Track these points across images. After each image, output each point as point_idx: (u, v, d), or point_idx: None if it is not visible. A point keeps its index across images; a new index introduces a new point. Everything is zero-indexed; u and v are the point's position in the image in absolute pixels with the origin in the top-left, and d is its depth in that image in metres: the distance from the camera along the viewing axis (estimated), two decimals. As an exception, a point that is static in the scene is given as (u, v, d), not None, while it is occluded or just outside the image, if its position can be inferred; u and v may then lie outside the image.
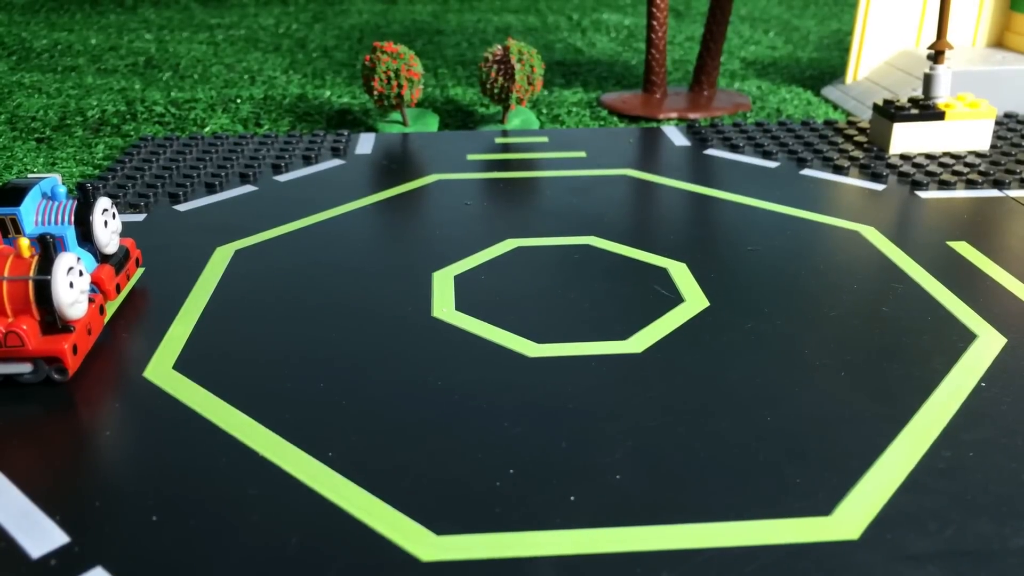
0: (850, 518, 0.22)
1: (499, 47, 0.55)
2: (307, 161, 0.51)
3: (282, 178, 0.48)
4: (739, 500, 0.23)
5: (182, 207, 0.44)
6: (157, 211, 0.43)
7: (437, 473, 0.24)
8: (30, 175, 0.34)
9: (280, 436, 0.26)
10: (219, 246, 0.39)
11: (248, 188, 0.46)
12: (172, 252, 0.38)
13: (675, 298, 0.34)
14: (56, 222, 0.32)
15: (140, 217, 0.42)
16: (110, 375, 0.29)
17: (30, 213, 0.31)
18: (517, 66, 0.54)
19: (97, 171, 0.50)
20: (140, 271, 0.36)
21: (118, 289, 0.33)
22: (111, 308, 0.33)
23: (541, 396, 0.27)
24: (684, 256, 0.37)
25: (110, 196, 0.44)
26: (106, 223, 0.33)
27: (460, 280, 0.36)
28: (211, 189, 0.46)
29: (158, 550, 0.21)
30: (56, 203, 0.32)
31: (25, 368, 0.28)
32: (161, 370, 0.29)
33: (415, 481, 0.24)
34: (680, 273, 0.36)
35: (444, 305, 0.33)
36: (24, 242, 0.28)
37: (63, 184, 0.34)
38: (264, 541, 0.21)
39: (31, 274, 0.27)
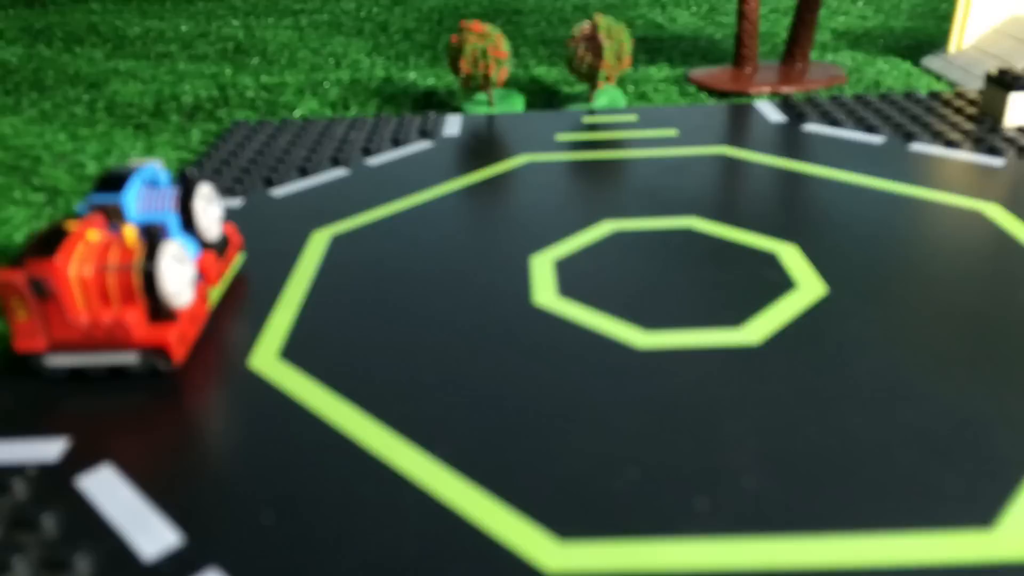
0: (1016, 531, 0.20)
1: (587, 23, 0.53)
2: (396, 144, 0.49)
3: (373, 161, 0.47)
4: (882, 508, 0.20)
5: (276, 191, 0.43)
6: (252, 196, 0.42)
7: (554, 471, 0.22)
8: (131, 161, 0.33)
9: (390, 430, 0.24)
10: (315, 230, 0.38)
11: (340, 172, 0.45)
12: (269, 238, 0.37)
13: (788, 284, 0.31)
14: (158, 209, 0.31)
15: (237, 202, 0.41)
16: (216, 365, 0.28)
17: (132, 200, 0.30)
18: (606, 43, 0.51)
19: (193, 156, 0.50)
20: (241, 257, 0.35)
21: (220, 276, 0.32)
22: (215, 294, 0.32)
23: (654, 389, 0.25)
24: (793, 238, 0.35)
25: (179, 172, 0.43)
26: (207, 209, 0.32)
27: (559, 264, 0.34)
28: (304, 173, 0.45)
29: (273, 552, 0.20)
30: (158, 190, 0.31)
31: (131, 358, 0.27)
32: (266, 359, 0.28)
33: (532, 480, 0.22)
34: (791, 256, 0.33)
35: (545, 291, 0.31)
36: (129, 230, 0.26)
37: (164, 170, 0.33)
38: (381, 546, 0.20)
39: (136, 263, 0.26)
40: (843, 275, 0.31)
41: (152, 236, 0.26)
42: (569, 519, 0.21)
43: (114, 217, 0.30)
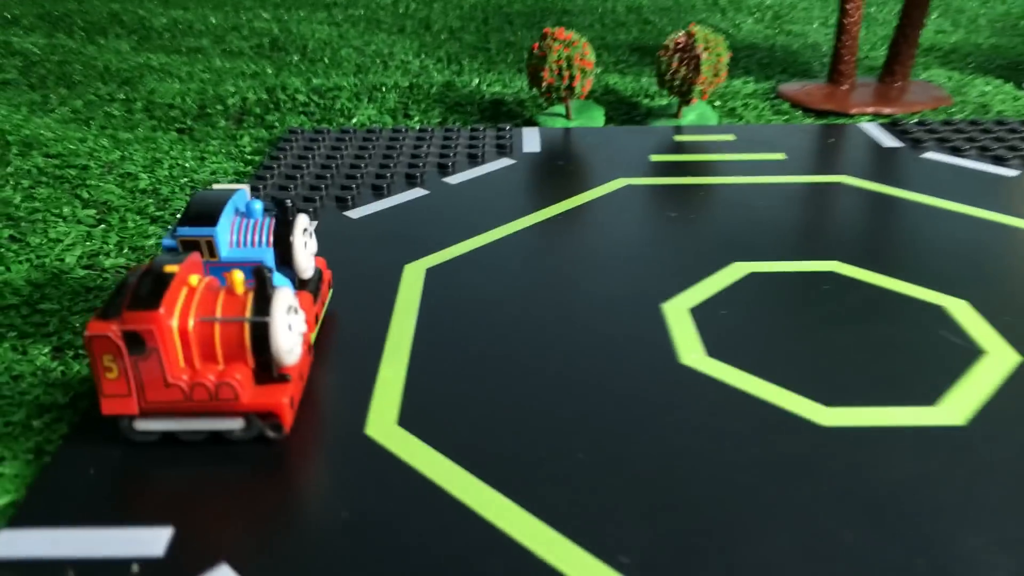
0: None
1: (681, 34, 0.49)
2: (473, 160, 0.46)
3: (451, 180, 0.43)
4: None
5: (353, 213, 0.39)
6: (327, 218, 0.39)
7: (769, 594, 0.19)
8: (215, 186, 0.29)
9: (556, 531, 0.21)
10: (407, 263, 0.34)
11: (418, 192, 0.42)
12: (357, 270, 0.34)
13: (972, 348, 0.28)
14: (252, 243, 0.27)
15: (312, 225, 0.38)
16: (327, 430, 0.25)
17: (225, 233, 0.27)
18: (703, 55, 0.48)
19: (249, 167, 0.47)
20: (330, 294, 0.32)
21: (316, 320, 0.29)
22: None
23: (856, 483, 0.22)
24: (960, 290, 0.31)
25: (274, 200, 0.40)
26: (306, 244, 0.28)
27: (695, 314, 0.30)
28: (378, 192, 0.42)
29: None
30: (251, 221, 0.28)
31: (236, 424, 0.23)
32: (384, 426, 0.25)
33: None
34: (963, 313, 0.30)
35: (690, 348, 0.28)
36: (239, 277, 0.23)
37: (252, 197, 0.30)
38: None
39: (247, 314, 0.23)
40: (1031, 339, 0.28)
41: (263, 282, 0.23)
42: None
43: (206, 252, 0.27)
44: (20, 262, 0.35)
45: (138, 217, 0.39)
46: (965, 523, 0.21)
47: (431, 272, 0.34)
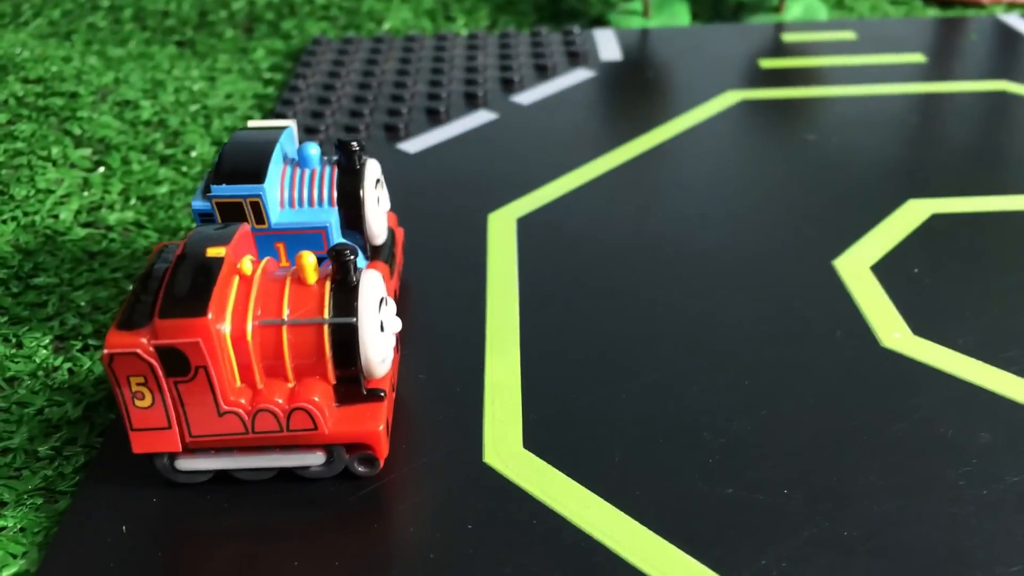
0: None
1: (790, -94, 0.42)
2: (542, 73, 0.40)
3: (521, 99, 0.37)
4: None
5: (408, 146, 0.33)
6: (378, 153, 0.33)
7: None
8: (251, 123, 0.23)
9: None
10: (491, 212, 0.29)
11: (484, 115, 0.36)
12: (429, 224, 0.28)
13: None
14: (311, 202, 0.22)
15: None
16: (431, 458, 0.19)
17: (275, 190, 0.21)
18: (819, -67, 0.41)
19: (270, 88, 0.40)
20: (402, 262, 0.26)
21: (395, 296, 0.23)
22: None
23: None
24: None
25: (309, 130, 0.34)
26: (379, 199, 0.22)
27: (880, 272, 0.25)
28: (434, 118, 0.35)
29: None
30: (306, 170, 0.22)
31: (315, 459, 0.18)
32: (507, 450, 0.19)
33: None
34: None
35: (889, 325, 0.22)
36: (310, 260, 0.17)
37: (297, 134, 0.24)
38: None
39: (326, 313, 0.17)
40: None
41: (345, 268, 0.17)
42: None
43: (251, 219, 0.21)
44: (4, 221, 0.29)
45: (144, 157, 0.33)
46: None
47: (523, 224, 0.28)
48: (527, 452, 0.19)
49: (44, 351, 0.24)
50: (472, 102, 0.37)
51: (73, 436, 0.21)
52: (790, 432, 0.19)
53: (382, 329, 0.18)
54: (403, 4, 0.50)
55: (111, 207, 0.30)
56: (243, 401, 0.17)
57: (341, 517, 0.18)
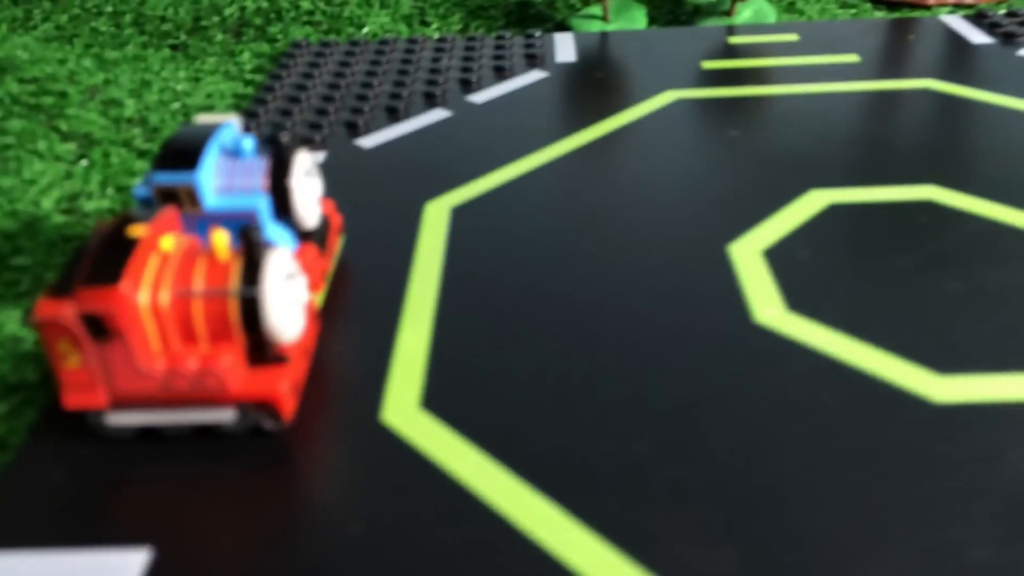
0: None
1: (737, -84, 0.43)
2: (500, 74, 0.41)
3: (476, 98, 0.39)
4: None
5: (365, 141, 0.35)
6: (337, 148, 0.34)
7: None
8: (198, 117, 0.25)
9: (608, 541, 0.17)
10: (428, 200, 0.30)
11: (439, 113, 0.37)
12: (371, 211, 0.30)
13: (1111, 295, 0.23)
14: (244, 190, 0.23)
15: (319, 157, 0.34)
16: (335, 417, 0.21)
17: (210, 178, 0.23)
18: (763, -59, 0.42)
19: (249, 88, 0.42)
20: (341, 243, 0.28)
21: (324, 277, 0.25)
22: (317, 302, 0.25)
23: (994, 481, 0.18)
24: (1086, 221, 0.27)
25: (275, 126, 0.36)
26: (308, 187, 0.24)
27: (770, 257, 0.26)
28: (393, 115, 0.37)
29: None
30: (242, 161, 0.24)
31: (227, 416, 0.20)
32: (404, 410, 0.21)
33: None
34: (1094, 250, 0.25)
35: (765, 301, 0.24)
36: (222, 239, 0.19)
37: (240, 127, 0.26)
38: None
39: (234, 287, 0.19)
40: None
41: (252, 245, 0.19)
42: None
43: (187, 203, 0.23)
44: (-10, 209, 0.31)
45: (124, 151, 0.35)
46: None
47: (457, 212, 0.30)
48: (423, 412, 0.21)
49: (14, 324, 0.26)
50: (431, 101, 0.38)
51: (29, 398, 0.23)
52: (658, 395, 0.21)
53: (288, 300, 0.19)
54: (382, 9, 0.52)
55: (89, 196, 0.32)
56: (159, 363, 0.19)
57: (252, 468, 0.20)
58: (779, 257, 0.26)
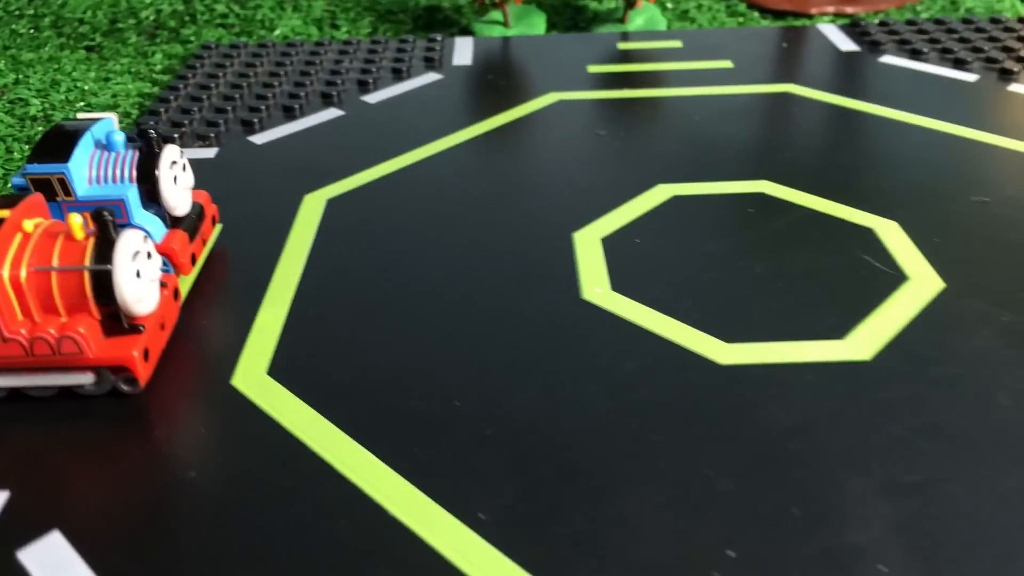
0: None
1: (624, -71, 0.47)
2: (398, 75, 0.44)
3: (370, 98, 0.41)
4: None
5: (258, 138, 0.38)
6: (230, 144, 0.37)
7: (623, 549, 0.18)
8: (80, 115, 0.28)
9: (412, 484, 0.20)
10: (307, 193, 0.33)
11: (333, 112, 0.40)
12: (253, 202, 0.32)
13: (895, 274, 0.27)
14: (114, 180, 0.26)
15: (211, 153, 0.36)
16: (190, 383, 0.24)
17: (81, 169, 0.26)
18: (647, -47, 0.45)
19: (156, 87, 0.44)
20: (217, 230, 0.30)
21: (193, 260, 0.27)
22: (187, 283, 0.28)
23: (747, 426, 0.21)
24: (892, 211, 0.30)
25: (174, 124, 0.38)
26: (176, 178, 0.27)
27: (609, 245, 0.29)
28: (290, 114, 0.40)
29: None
30: (113, 154, 0.26)
31: (86, 379, 0.22)
32: (252, 376, 0.24)
33: (595, 562, 0.18)
34: (892, 236, 0.29)
35: (596, 283, 0.27)
36: (76, 220, 0.22)
37: (120, 126, 0.28)
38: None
39: (87, 263, 0.22)
40: (960, 262, 0.27)
41: (104, 227, 0.22)
42: (660, 628, 0.17)
43: (60, 192, 0.25)
44: None
45: (26, 147, 0.38)
46: (851, 467, 0.20)
47: (332, 203, 0.32)
48: (269, 378, 0.24)
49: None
50: (327, 101, 0.41)
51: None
52: (482, 361, 0.24)
53: (139, 276, 0.22)
54: (294, 13, 0.54)
55: (-12, 189, 0.35)
56: (23, 331, 0.22)
57: (110, 425, 0.22)
58: (616, 243, 0.29)
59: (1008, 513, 0.19)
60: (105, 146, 0.27)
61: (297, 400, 0.23)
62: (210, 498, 0.20)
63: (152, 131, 0.26)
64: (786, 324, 0.25)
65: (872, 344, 0.24)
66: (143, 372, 0.23)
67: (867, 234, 0.29)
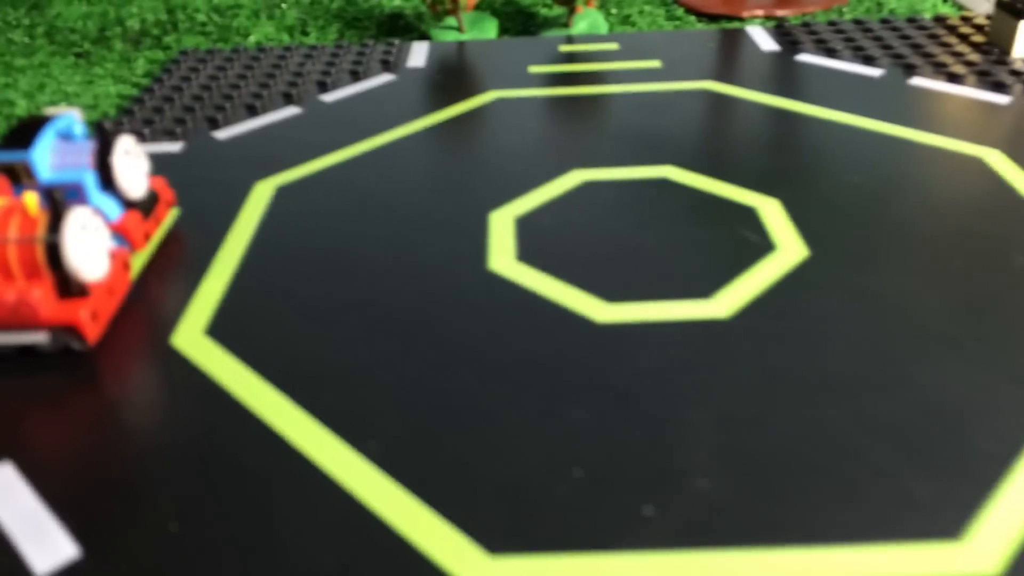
0: (986, 545, 0.18)
1: (564, -59, 0.49)
2: (355, 77, 0.47)
3: (328, 97, 0.44)
4: (847, 516, 0.19)
5: (221, 134, 0.40)
6: (195, 139, 0.40)
7: (490, 471, 0.21)
8: (48, 109, 0.30)
9: (318, 422, 0.23)
10: (259, 181, 0.36)
11: (292, 110, 0.43)
12: (209, 189, 0.35)
13: (766, 245, 0.29)
14: (74, 166, 0.29)
15: (176, 147, 0.39)
16: (136, 342, 0.26)
17: (44, 157, 0.28)
18: (584, -37, 0.48)
19: (136, 90, 0.47)
20: (174, 213, 0.33)
21: (147, 238, 0.30)
22: (142, 258, 0.30)
23: (612, 374, 0.24)
24: (775, 191, 0.33)
25: (146, 121, 0.41)
26: (129, 165, 0.29)
27: (521, 223, 0.32)
28: (252, 112, 0.43)
29: (176, 566, 0.19)
30: (73, 145, 0.29)
31: (41, 337, 0.25)
32: (191, 336, 0.26)
33: (465, 482, 0.20)
34: (771, 212, 0.31)
35: (502, 254, 0.30)
36: (31, 198, 0.24)
37: (83, 119, 0.31)
38: (295, 558, 0.19)
39: (39, 234, 0.24)
40: (826, 234, 0.30)
41: (56, 203, 0.24)
42: (502, 530, 0.19)
43: (24, 177, 0.28)
44: None
45: (11, 144, 0.40)
46: (694, 405, 0.22)
47: (281, 190, 0.35)
48: (206, 338, 0.26)
49: None
50: (288, 100, 0.44)
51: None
52: (393, 323, 0.26)
53: (86, 246, 0.25)
54: (269, 20, 0.57)
55: (-25, 181, 0.37)
56: (-15, 294, 0.24)
57: (65, 379, 0.25)
58: (527, 222, 0.32)
59: (819, 439, 0.21)
60: (67, 137, 0.29)
61: (227, 355, 0.25)
62: (145, 435, 0.23)
63: (107, 124, 0.29)
64: (661, 288, 0.27)
65: (732, 304, 0.26)
66: (91, 332, 0.25)
67: (750, 212, 0.31)
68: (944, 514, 0.19)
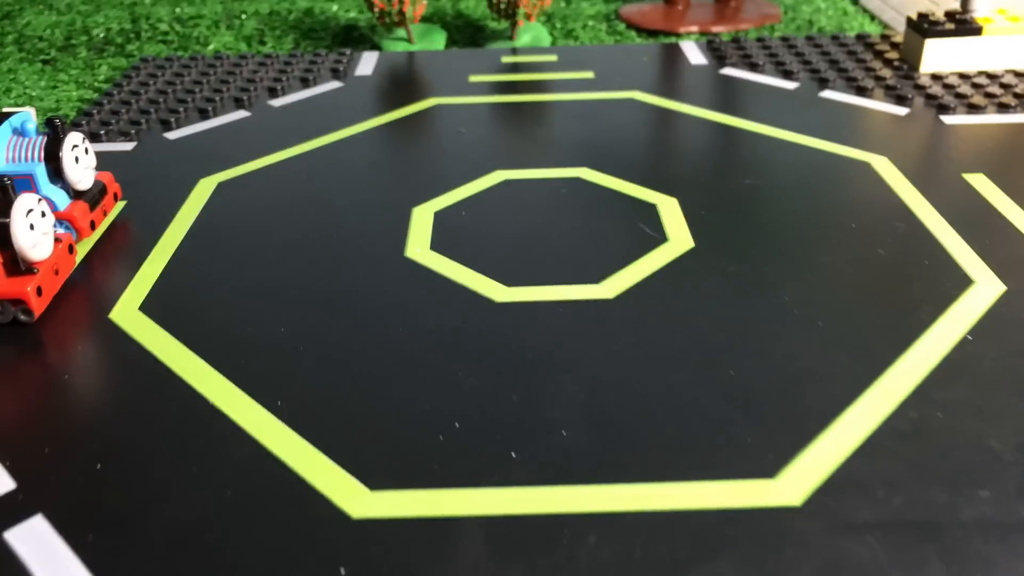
0: (795, 483, 0.22)
1: (507, -42, 0.53)
2: (305, 83, 0.50)
3: (277, 102, 0.48)
4: (683, 460, 0.22)
5: (172, 135, 0.44)
6: (147, 139, 0.43)
7: (383, 425, 0.24)
8: (5, 108, 0.34)
9: (234, 384, 0.26)
10: (203, 178, 0.39)
11: (241, 114, 0.46)
12: (156, 184, 0.38)
13: (659, 238, 0.33)
14: (26, 159, 0.32)
15: (129, 146, 0.42)
16: (77, 316, 0.29)
17: (0, 150, 0.32)
18: (525, -21, 0.52)
19: (97, 94, 0.50)
20: (120, 206, 0.36)
21: (93, 226, 0.33)
22: (86, 245, 0.33)
23: (501, 345, 0.27)
24: (676, 191, 0.36)
25: (103, 123, 0.44)
26: (77, 159, 0.33)
27: (440, 217, 0.35)
28: (204, 115, 0.46)
29: (97, 499, 0.22)
30: (26, 139, 0.32)
31: (-9, 310, 0.28)
32: (127, 312, 0.30)
33: (359, 433, 0.24)
34: (669, 209, 0.35)
35: (419, 244, 0.33)
36: (-18, 185, 0.28)
37: (37, 118, 0.34)
38: (199, 493, 0.22)
39: (-10, 217, 0.28)
40: (714, 229, 0.33)
41: (4, 190, 0.28)
42: (385, 471, 0.22)
43: (-22, 167, 0.31)
44: None
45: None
46: (568, 371, 0.26)
47: (222, 185, 0.38)
48: (140, 313, 0.30)
49: None
50: (239, 104, 0.47)
51: None
52: (311, 299, 0.30)
53: (32, 228, 0.28)
54: (228, 30, 0.60)
55: (-62, 175, 0.40)
56: (-61, 270, 0.27)
57: (12, 349, 0.28)
58: (445, 216, 0.35)
59: (669, 399, 0.25)
60: (21, 133, 0.32)
61: (158, 328, 0.29)
62: (81, 394, 0.26)
63: (57, 120, 0.32)
64: (558, 273, 0.31)
65: (618, 287, 0.30)
66: (36, 305, 0.28)
67: (651, 208, 0.35)
68: (765, 459, 0.22)
